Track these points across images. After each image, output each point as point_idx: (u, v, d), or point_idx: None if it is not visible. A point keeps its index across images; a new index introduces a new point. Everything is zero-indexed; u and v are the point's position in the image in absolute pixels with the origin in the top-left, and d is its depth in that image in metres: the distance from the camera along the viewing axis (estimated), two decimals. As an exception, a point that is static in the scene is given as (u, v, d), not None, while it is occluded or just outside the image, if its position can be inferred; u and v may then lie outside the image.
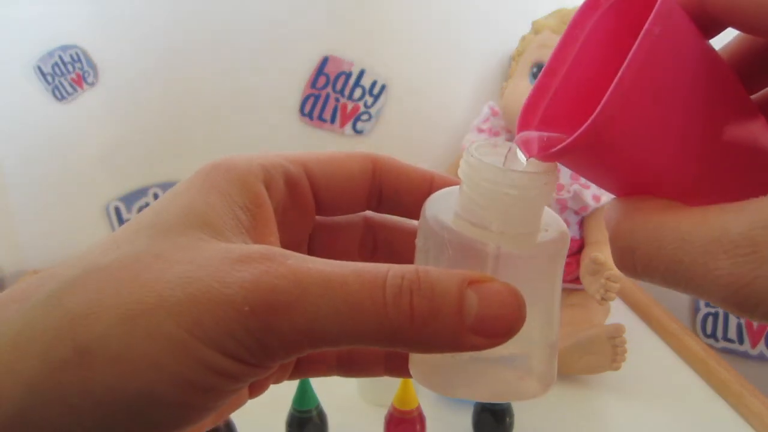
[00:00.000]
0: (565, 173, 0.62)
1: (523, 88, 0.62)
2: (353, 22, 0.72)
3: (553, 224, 0.19)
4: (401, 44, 0.74)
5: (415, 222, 0.20)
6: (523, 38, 0.66)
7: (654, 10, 0.16)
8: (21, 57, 0.69)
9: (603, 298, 0.52)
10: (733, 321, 0.67)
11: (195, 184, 0.18)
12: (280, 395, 0.49)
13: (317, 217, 0.21)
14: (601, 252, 0.56)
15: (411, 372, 0.20)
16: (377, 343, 0.15)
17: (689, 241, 0.14)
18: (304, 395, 0.43)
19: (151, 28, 0.70)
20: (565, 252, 0.19)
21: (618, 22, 0.18)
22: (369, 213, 0.22)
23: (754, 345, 0.65)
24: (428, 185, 0.21)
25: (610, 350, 0.51)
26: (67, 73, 0.70)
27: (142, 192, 0.77)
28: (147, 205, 0.77)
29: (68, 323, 0.14)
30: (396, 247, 0.22)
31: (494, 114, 0.69)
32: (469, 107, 0.77)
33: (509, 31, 0.70)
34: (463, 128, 0.74)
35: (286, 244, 0.19)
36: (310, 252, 0.22)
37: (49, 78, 0.70)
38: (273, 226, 0.18)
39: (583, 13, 0.18)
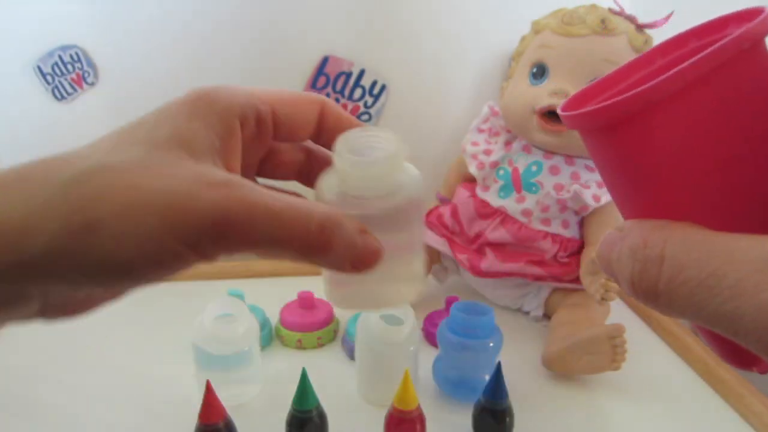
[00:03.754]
0: (565, 173, 0.62)
1: (523, 88, 0.62)
2: (353, 22, 0.72)
3: (406, 179, 0.26)
4: (401, 44, 0.74)
5: None
6: (523, 38, 0.66)
7: (749, 26, 0.15)
8: (21, 57, 0.69)
9: (603, 298, 0.52)
10: (733, 321, 0.67)
11: (183, 110, 0.23)
12: (280, 395, 0.49)
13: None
14: (601, 252, 0.56)
15: (326, 297, 0.27)
16: (295, 258, 0.21)
17: (740, 259, 0.15)
18: (304, 395, 0.43)
19: (151, 28, 0.70)
20: (415, 202, 0.26)
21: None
22: (309, 143, 0.29)
23: (754, 345, 0.65)
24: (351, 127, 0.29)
25: (610, 350, 0.51)
26: (67, 73, 0.70)
27: (142, 192, 0.77)
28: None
29: (83, 202, 0.19)
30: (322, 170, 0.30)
31: (494, 114, 0.69)
32: (469, 107, 0.77)
33: (509, 31, 0.70)
34: (463, 128, 0.74)
35: (245, 164, 0.26)
36: (261, 169, 0.29)
37: (49, 78, 0.70)
38: (238, 152, 0.24)
39: (670, 43, 0.20)
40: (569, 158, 0.62)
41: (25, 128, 0.72)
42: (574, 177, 0.62)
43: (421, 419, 0.43)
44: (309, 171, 0.29)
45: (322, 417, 0.44)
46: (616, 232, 0.21)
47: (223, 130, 0.23)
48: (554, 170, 0.62)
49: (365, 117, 0.77)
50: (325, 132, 0.28)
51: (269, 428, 0.46)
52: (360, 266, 0.23)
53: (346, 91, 0.75)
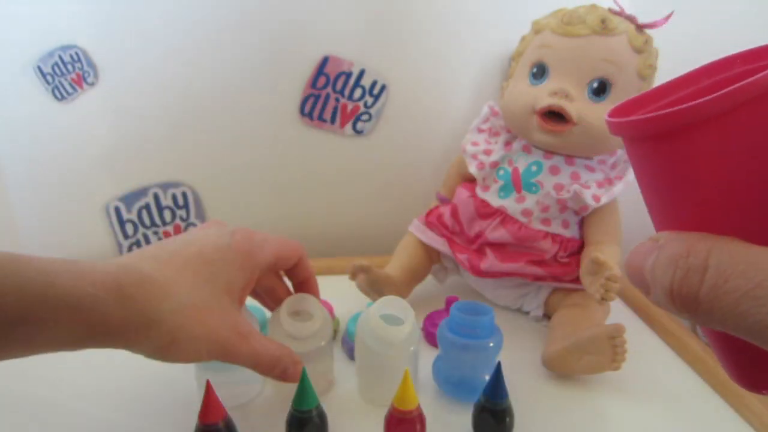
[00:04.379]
0: (565, 173, 0.62)
1: (523, 88, 0.62)
2: (353, 22, 0.72)
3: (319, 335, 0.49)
4: (401, 44, 0.74)
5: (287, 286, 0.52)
6: (523, 38, 0.66)
7: None
8: (21, 57, 0.69)
9: (603, 298, 0.52)
10: (733, 321, 0.67)
11: (236, 262, 0.40)
12: (280, 395, 0.49)
13: None
14: (601, 252, 0.56)
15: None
16: (261, 373, 0.42)
17: None
18: (304, 395, 0.43)
19: (151, 28, 0.70)
20: (324, 348, 0.48)
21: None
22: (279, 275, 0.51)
23: (754, 345, 0.65)
24: (304, 279, 0.50)
25: (610, 350, 0.51)
26: (67, 73, 0.70)
27: (142, 192, 0.77)
28: (147, 205, 0.77)
29: (173, 331, 0.35)
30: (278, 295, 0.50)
31: (494, 114, 0.69)
32: (469, 107, 0.77)
33: (509, 31, 0.70)
34: (463, 128, 0.74)
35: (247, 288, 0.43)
36: (255, 288, 0.49)
37: (49, 78, 0.70)
38: (249, 289, 0.43)
39: (716, 65, 0.21)
40: (569, 158, 0.62)
41: (25, 128, 0.72)
42: (574, 177, 0.62)
43: (421, 419, 0.43)
44: (274, 292, 0.50)
45: (322, 417, 0.44)
46: (650, 242, 0.21)
47: (252, 278, 0.42)
48: (554, 170, 0.62)
49: (365, 117, 0.77)
50: (294, 270, 0.49)
51: (269, 428, 0.46)
52: (289, 380, 0.42)
53: (346, 91, 0.75)
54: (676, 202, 0.19)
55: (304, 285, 0.50)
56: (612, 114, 0.22)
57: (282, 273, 0.50)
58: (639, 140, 0.19)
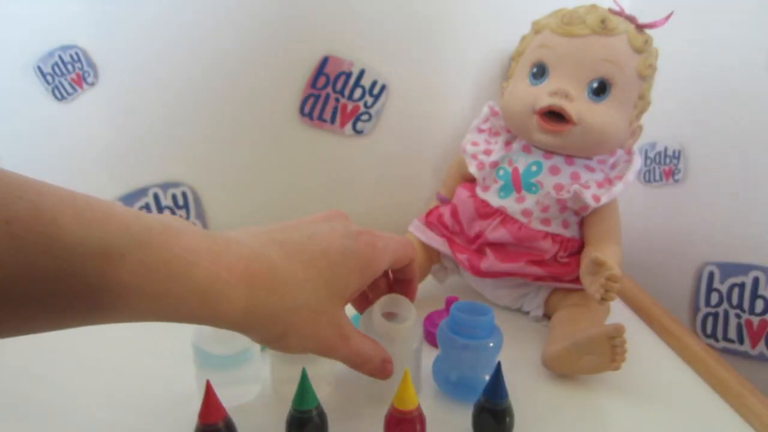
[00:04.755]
0: (565, 173, 0.62)
1: (523, 88, 0.62)
2: (353, 22, 0.72)
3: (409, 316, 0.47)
4: (401, 44, 0.74)
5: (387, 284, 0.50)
6: (523, 38, 0.66)
7: None
8: (21, 57, 0.69)
9: (603, 298, 0.52)
10: (733, 321, 0.67)
11: (357, 268, 0.40)
12: (280, 395, 0.49)
13: None
14: (601, 252, 0.56)
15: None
16: (364, 373, 0.43)
17: None
18: (304, 395, 0.43)
19: (151, 28, 0.70)
20: (415, 334, 0.48)
21: None
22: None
23: (754, 345, 0.65)
24: (410, 288, 0.50)
25: (610, 350, 0.51)
26: (67, 73, 0.70)
27: (142, 192, 0.77)
28: (147, 205, 0.77)
29: (286, 325, 0.36)
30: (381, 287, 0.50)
31: (494, 114, 0.69)
32: (469, 107, 0.77)
33: (509, 31, 0.70)
34: (463, 128, 0.74)
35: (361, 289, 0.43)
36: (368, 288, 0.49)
37: (49, 78, 0.70)
38: (358, 293, 0.42)
39: None
40: (569, 158, 0.62)
41: (25, 128, 0.72)
42: (574, 177, 0.62)
43: (421, 419, 0.43)
44: (375, 286, 0.49)
45: (322, 417, 0.44)
46: None
47: (366, 284, 0.42)
48: (554, 170, 0.62)
49: (365, 117, 0.77)
50: (400, 271, 0.48)
51: (269, 428, 0.46)
52: (384, 377, 0.43)
53: (346, 91, 0.75)
54: None
55: (405, 285, 0.48)
56: None
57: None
58: None
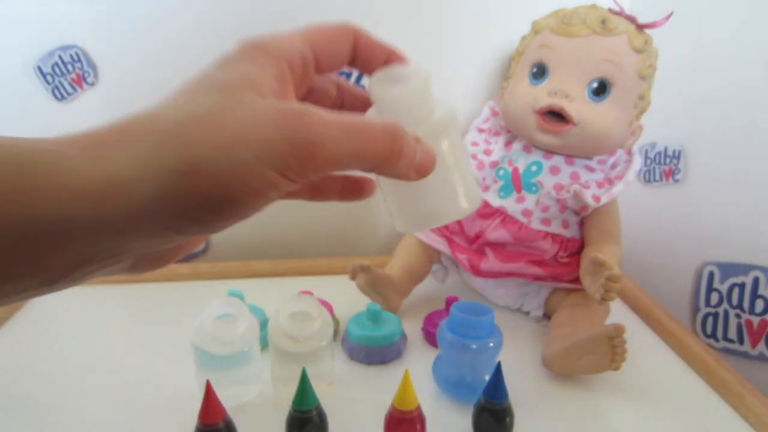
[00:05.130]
0: (565, 173, 0.62)
1: (523, 88, 0.62)
2: (353, 22, 0.72)
3: (438, 106, 0.29)
4: (401, 44, 0.73)
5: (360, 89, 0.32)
6: (523, 38, 0.66)
7: None
8: (21, 57, 0.69)
9: (603, 298, 0.52)
10: (733, 321, 0.67)
11: (244, 57, 0.25)
12: (280, 395, 0.49)
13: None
14: (601, 252, 0.56)
15: (396, 227, 0.31)
16: (369, 168, 0.24)
17: None
18: (304, 395, 0.43)
19: (151, 28, 0.70)
20: (452, 125, 0.29)
21: None
22: (340, 80, 0.32)
23: (754, 345, 0.65)
24: (385, 57, 0.31)
25: (610, 350, 0.51)
26: (67, 73, 0.70)
27: (142, 192, 0.77)
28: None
29: (180, 151, 0.21)
30: (356, 106, 0.32)
31: (494, 114, 0.69)
32: (469, 107, 0.77)
33: (509, 31, 0.70)
34: (463, 128, 0.74)
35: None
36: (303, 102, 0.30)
37: (49, 78, 0.70)
38: (291, 91, 0.26)
39: None
40: (569, 158, 0.62)
41: (25, 128, 0.72)
42: (574, 177, 0.62)
43: (421, 419, 0.43)
44: (341, 104, 0.32)
45: (322, 417, 0.44)
46: None
47: (279, 75, 0.25)
48: (554, 170, 0.62)
49: (365, 117, 0.77)
50: (359, 59, 0.31)
51: (269, 428, 0.46)
52: (422, 171, 0.26)
53: (346, 91, 0.75)
54: None
55: (388, 59, 0.31)
56: None
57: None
58: None
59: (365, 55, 0.30)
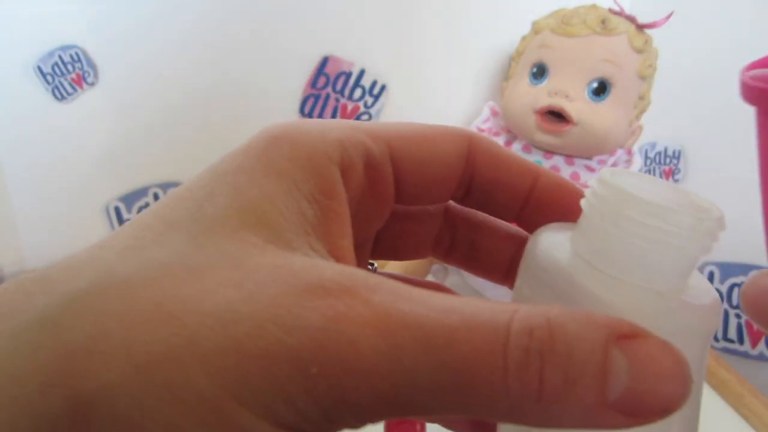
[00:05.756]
0: (565, 173, 0.62)
1: (523, 88, 0.62)
2: (353, 22, 0.72)
3: (702, 286, 0.15)
4: (401, 44, 0.74)
5: (504, 223, 0.18)
6: (523, 38, 0.66)
7: None
8: (21, 57, 0.69)
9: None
10: (733, 321, 0.67)
11: (247, 163, 0.14)
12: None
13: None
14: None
15: None
16: (485, 417, 0.11)
17: None
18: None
19: (151, 28, 0.70)
20: (716, 327, 0.15)
21: None
22: (451, 203, 0.19)
23: (754, 345, 0.65)
24: (531, 182, 0.17)
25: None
26: (67, 73, 0.70)
27: (142, 192, 0.77)
28: (147, 205, 0.77)
29: (63, 364, 0.10)
30: (478, 248, 0.18)
31: (494, 114, 0.69)
32: (469, 107, 0.77)
33: (509, 31, 0.70)
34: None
35: (354, 243, 0.15)
36: (376, 247, 0.18)
37: (49, 78, 0.70)
38: (347, 224, 0.14)
39: None
40: (569, 158, 0.62)
41: (25, 128, 0.72)
42: (574, 177, 0.62)
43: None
44: (451, 245, 0.19)
45: (322, 417, 0.44)
46: None
47: (317, 189, 0.13)
48: (554, 170, 0.62)
49: (365, 117, 0.77)
50: (480, 185, 0.17)
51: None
52: (631, 415, 0.11)
53: (346, 91, 0.75)
54: None
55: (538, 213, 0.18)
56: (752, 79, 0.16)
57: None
58: None
59: (491, 177, 0.17)
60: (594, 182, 0.15)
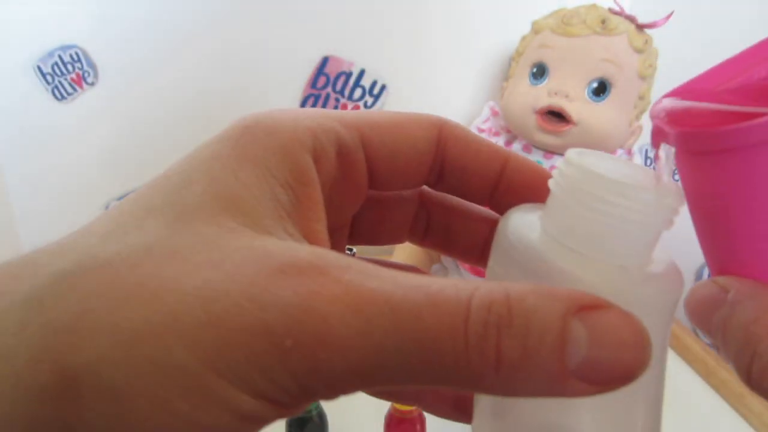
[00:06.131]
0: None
1: (523, 88, 0.62)
2: (353, 22, 0.72)
3: (666, 260, 0.16)
4: (401, 44, 0.74)
5: (477, 206, 0.19)
6: (523, 38, 0.66)
7: None
8: (21, 57, 0.69)
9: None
10: (733, 321, 0.67)
11: (223, 151, 0.14)
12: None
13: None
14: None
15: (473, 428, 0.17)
16: (450, 387, 0.12)
17: None
18: (304, 395, 0.43)
19: (151, 28, 0.70)
20: (678, 298, 0.15)
21: None
22: (425, 188, 0.19)
23: (754, 345, 0.65)
24: (501, 166, 0.17)
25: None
26: (67, 73, 0.70)
27: (142, 192, 0.77)
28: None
29: (50, 341, 0.10)
30: (452, 231, 0.19)
31: (494, 114, 0.69)
32: (469, 107, 0.77)
33: (509, 31, 0.70)
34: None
35: (329, 227, 0.15)
36: (353, 233, 0.18)
37: (49, 78, 0.70)
38: (320, 209, 0.14)
39: None
40: (569, 158, 0.62)
41: (25, 128, 0.72)
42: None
43: (421, 419, 0.43)
44: (426, 229, 0.19)
45: (322, 417, 0.44)
46: (716, 288, 0.14)
47: (291, 176, 0.14)
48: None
49: (365, 117, 0.77)
50: (451, 169, 0.17)
51: (269, 428, 0.46)
52: (592, 383, 0.11)
53: (346, 91, 0.75)
54: (750, 236, 0.14)
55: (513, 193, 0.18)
56: (674, 117, 0.16)
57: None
58: (709, 154, 0.14)
59: (462, 162, 0.17)
60: (561, 163, 0.15)
